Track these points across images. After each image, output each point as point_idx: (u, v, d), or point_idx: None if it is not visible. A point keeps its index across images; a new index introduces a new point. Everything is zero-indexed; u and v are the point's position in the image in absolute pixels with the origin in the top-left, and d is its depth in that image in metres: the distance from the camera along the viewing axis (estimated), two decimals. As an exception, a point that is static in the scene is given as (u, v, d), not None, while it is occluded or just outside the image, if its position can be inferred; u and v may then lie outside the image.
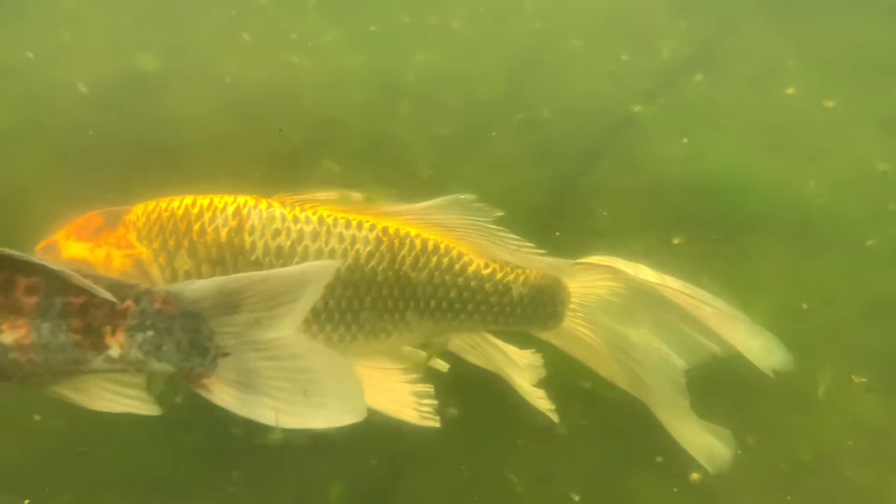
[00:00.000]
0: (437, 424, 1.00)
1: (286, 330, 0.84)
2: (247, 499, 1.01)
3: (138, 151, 1.36)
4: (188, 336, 0.82)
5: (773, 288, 1.34)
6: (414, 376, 1.01)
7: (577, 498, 1.04)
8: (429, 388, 1.01)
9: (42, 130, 1.36)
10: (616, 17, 1.86)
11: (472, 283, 1.03)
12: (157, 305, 0.82)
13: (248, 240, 0.96)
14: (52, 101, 1.41)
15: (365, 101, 1.58)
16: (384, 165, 1.49)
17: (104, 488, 0.99)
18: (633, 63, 1.74)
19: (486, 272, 1.04)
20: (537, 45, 1.77)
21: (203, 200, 0.98)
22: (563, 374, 1.15)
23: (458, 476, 1.04)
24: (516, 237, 1.05)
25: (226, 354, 0.83)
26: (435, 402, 1.00)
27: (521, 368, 1.07)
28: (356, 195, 1.01)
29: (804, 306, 1.31)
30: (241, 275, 0.86)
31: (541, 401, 1.07)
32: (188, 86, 1.50)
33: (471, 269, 1.03)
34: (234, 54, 1.58)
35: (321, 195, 1.00)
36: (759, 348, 1.01)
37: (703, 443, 1.01)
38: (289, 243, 0.97)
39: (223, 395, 0.84)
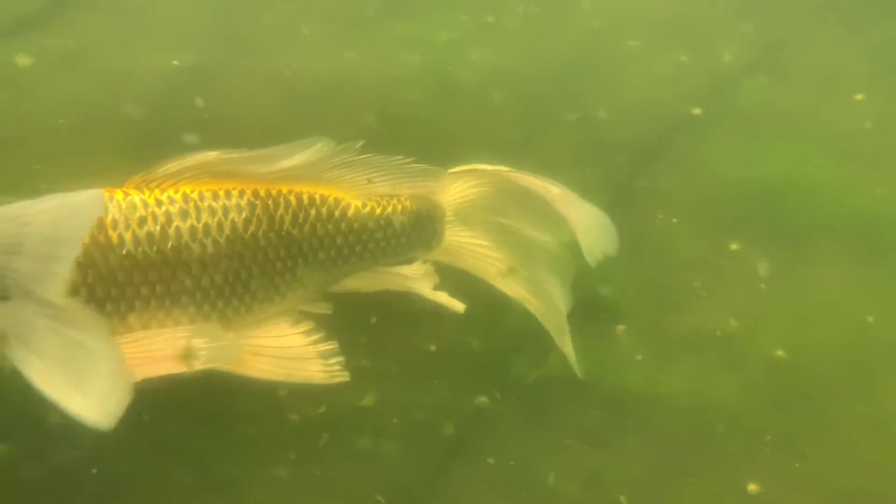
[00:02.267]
0: (347, 378, 0.98)
1: (63, 286, 0.80)
2: (290, 494, 1.01)
3: (198, 143, 1.38)
4: None
5: (838, 299, 1.29)
6: (315, 337, 0.99)
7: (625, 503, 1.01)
8: (333, 346, 0.98)
9: (109, 121, 1.39)
10: (676, 19, 1.82)
11: (355, 226, 1.03)
12: None
13: (113, 235, 0.91)
14: (118, 93, 1.44)
15: (420, 98, 1.58)
16: (436, 163, 1.48)
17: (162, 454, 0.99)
18: (692, 65, 1.70)
19: (365, 211, 1.03)
20: (594, 44, 1.74)
21: None
22: (612, 378, 1.12)
23: (506, 471, 1.02)
24: (383, 157, 1.05)
25: (4, 298, 0.80)
26: (342, 357, 0.97)
27: (418, 280, 1.10)
28: (211, 154, 0.96)
29: (870, 319, 1.26)
30: (26, 202, 0.82)
31: (444, 297, 1.10)
32: (248, 79, 1.52)
33: (350, 212, 1.03)
34: (294, 49, 1.59)
35: (175, 166, 0.96)
36: (595, 234, 1.06)
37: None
38: (158, 228, 0.93)
39: None
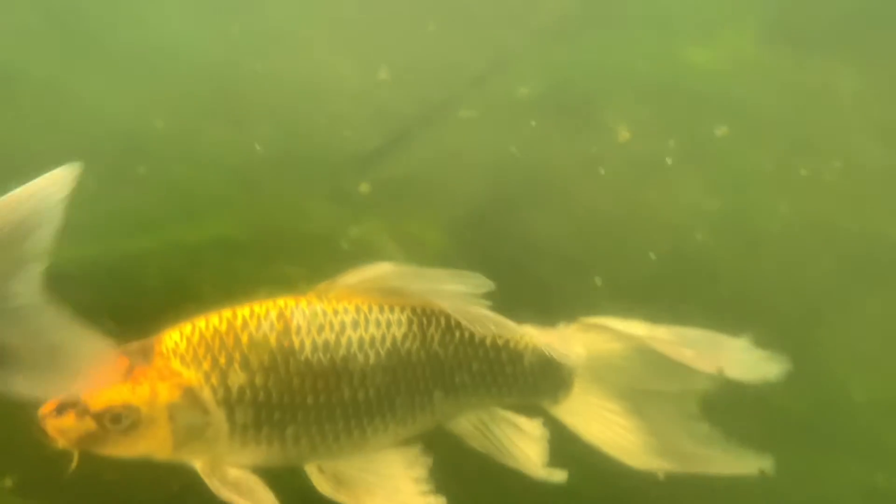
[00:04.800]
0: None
1: (32, 284, 0.78)
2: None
3: (496, 267, 1.44)
4: None
5: None
6: (424, 487, 0.96)
7: None
8: (441, 500, 0.95)
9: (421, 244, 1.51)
10: None
11: (491, 354, 1.03)
12: None
13: (296, 340, 0.95)
14: (434, 218, 1.57)
15: (714, 242, 1.49)
16: (731, 314, 1.37)
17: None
18: None
19: (500, 342, 1.04)
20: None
21: (243, 311, 0.97)
22: None
23: None
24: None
25: None
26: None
27: (531, 439, 1.04)
28: (386, 265, 0.99)
29: None
30: None
31: (556, 473, 1.01)
32: (547, 212, 1.57)
33: (488, 340, 1.03)
34: (592, 187, 1.62)
35: (350, 279, 0.99)
36: (755, 364, 1.02)
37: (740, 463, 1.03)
38: (333, 336, 0.96)
39: None
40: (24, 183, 0.82)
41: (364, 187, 1.60)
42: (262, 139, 1.63)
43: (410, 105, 1.74)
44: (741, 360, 1.02)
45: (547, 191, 1.64)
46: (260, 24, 1.82)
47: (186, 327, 0.97)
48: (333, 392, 0.96)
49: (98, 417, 0.92)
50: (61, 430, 0.92)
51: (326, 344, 0.96)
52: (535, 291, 1.37)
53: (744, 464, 1.01)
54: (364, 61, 1.76)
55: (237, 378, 0.94)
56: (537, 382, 1.05)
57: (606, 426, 1.05)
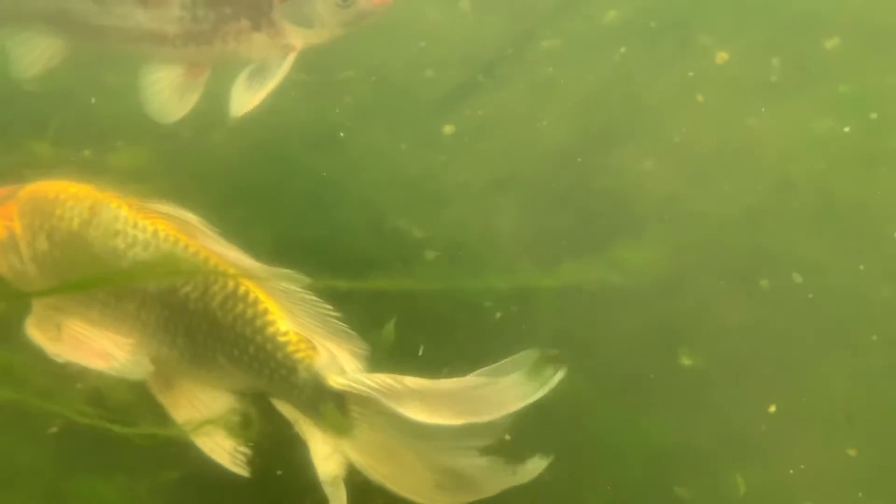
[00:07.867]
0: (247, 475, 0.96)
1: None
2: None
3: (588, 205, 1.40)
4: None
5: None
6: (233, 419, 0.97)
7: None
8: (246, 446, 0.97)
9: (507, 184, 1.48)
10: None
11: (268, 346, 0.97)
12: None
13: (92, 234, 0.98)
14: (518, 159, 1.53)
15: (830, 168, 1.39)
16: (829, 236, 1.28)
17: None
18: None
19: (282, 339, 0.97)
20: None
21: (73, 189, 1.01)
22: None
23: None
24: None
25: None
26: (249, 452, 0.96)
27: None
28: (192, 217, 0.98)
29: None
30: None
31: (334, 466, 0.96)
32: (637, 145, 1.51)
33: (270, 329, 0.97)
34: (687, 116, 1.54)
35: (166, 208, 0.99)
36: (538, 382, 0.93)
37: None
38: (123, 246, 0.98)
39: None
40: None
41: (448, 128, 1.57)
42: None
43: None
44: (520, 387, 0.92)
45: (641, 121, 1.56)
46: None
47: (41, 184, 1.03)
48: (122, 299, 0.99)
49: None
50: None
51: (115, 250, 0.99)
52: (628, 231, 1.33)
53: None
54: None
55: (41, 244, 1.00)
56: (314, 404, 0.98)
57: (386, 456, 0.98)
